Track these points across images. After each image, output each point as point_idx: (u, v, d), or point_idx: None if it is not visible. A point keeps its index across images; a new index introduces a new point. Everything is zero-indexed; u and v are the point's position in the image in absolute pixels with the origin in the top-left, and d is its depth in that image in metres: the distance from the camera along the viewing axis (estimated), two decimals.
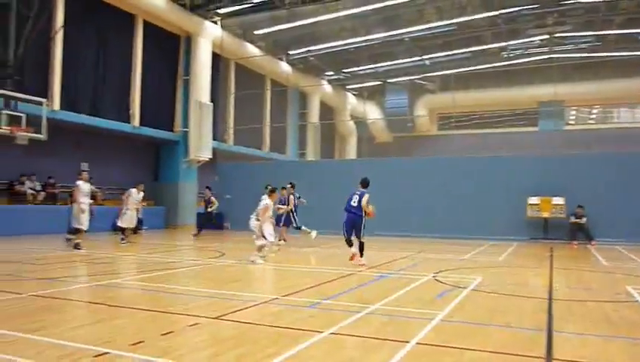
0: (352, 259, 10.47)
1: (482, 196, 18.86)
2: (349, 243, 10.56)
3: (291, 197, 14.76)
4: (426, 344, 4.61)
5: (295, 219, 14.91)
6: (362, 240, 10.38)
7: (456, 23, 24.37)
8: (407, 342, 4.61)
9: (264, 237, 10.88)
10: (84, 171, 13.61)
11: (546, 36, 27.17)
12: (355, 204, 10.31)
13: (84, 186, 12.77)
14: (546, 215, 17.85)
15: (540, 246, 16.19)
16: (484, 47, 28.54)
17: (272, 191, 11.53)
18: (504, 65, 29.94)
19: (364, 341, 4.76)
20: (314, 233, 14.74)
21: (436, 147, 32.54)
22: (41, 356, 4.07)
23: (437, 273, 9.37)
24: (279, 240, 13.88)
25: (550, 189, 17.83)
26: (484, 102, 33.93)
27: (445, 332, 5.08)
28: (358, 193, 10.41)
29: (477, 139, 32.62)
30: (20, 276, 8.44)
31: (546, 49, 28.97)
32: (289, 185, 14.96)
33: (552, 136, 28.16)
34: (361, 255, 10.34)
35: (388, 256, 12.34)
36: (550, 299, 7.10)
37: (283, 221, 14.73)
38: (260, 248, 10.94)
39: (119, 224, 15.10)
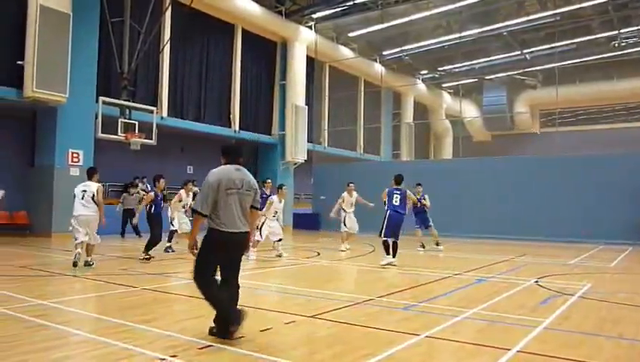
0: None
1: (590, 197, 17.57)
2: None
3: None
4: (528, 352, 4.38)
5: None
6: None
7: (560, 13, 22.90)
8: (508, 349, 4.42)
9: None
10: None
11: None
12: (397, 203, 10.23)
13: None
14: None
15: None
16: (592, 37, 26.54)
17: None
18: (615, 56, 27.62)
19: (461, 346, 4.64)
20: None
21: (539, 145, 30.71)
22: (152, 345, 4.40)
23: (540, 278, 8.89)
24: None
25: None
26: (591, 96, 31.58)
27: (549, 341, 4.82)
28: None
29: (584, 136, 30.46)
30: (133, 271, 9.14)
31: None
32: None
33: None
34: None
35: (487, 259, 11.90)
36: None
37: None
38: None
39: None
